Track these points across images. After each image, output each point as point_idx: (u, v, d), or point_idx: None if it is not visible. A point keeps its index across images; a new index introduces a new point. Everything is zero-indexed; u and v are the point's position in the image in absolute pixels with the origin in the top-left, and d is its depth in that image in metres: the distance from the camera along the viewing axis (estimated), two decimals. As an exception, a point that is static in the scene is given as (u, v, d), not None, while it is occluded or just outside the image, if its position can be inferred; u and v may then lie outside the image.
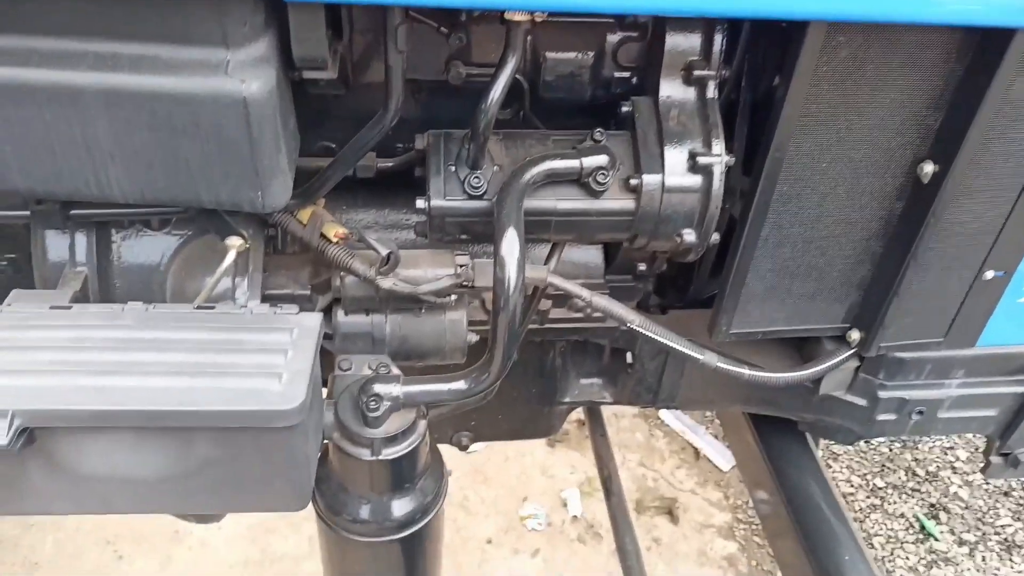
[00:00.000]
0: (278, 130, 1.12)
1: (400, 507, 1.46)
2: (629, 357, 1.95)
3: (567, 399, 2.07)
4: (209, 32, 1.05)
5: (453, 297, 1.51)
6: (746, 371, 1.58)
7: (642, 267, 1.76)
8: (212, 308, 1.20)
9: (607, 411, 2.97)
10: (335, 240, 1.38)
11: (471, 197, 1.34)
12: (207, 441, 1.08)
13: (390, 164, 1.52)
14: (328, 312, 1.54)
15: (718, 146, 1.34)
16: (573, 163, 1.33)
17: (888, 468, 3.76)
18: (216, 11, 1.04)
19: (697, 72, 1.34)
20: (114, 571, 3.18)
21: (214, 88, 1.05)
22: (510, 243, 1.25)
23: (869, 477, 3.71)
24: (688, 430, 3.87)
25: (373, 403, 1.33)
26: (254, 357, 1.10)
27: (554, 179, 1.34)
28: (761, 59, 1.44)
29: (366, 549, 1.49)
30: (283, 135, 1.14)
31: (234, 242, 1.37)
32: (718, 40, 1.34)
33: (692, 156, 1.35)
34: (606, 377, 2.07)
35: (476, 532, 3.28)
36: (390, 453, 1.36)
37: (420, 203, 1.34)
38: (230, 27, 1.05)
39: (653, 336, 1.49)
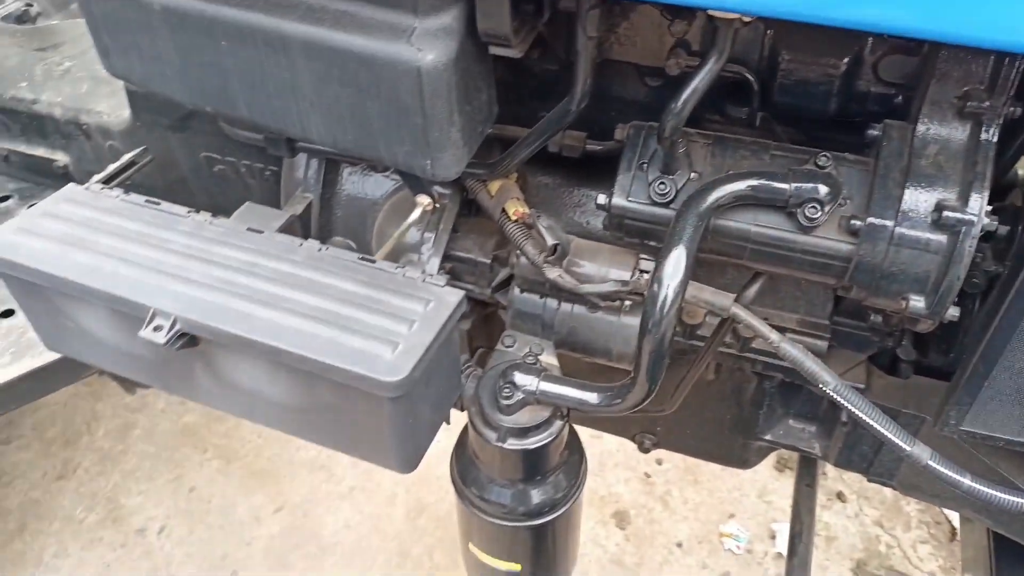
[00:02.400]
0: (452, 103, 1.10)
1: (526, 497, 1.43)
2: (844, 414, 1.67)
3: (768, 436, 1.85)
4: (403, -4, 1.05)
5: (628, 302, 1.40)
6: (966, 480, 1.25)
7: (876, 318, 1.48)
8: (372, 262, 1.24)
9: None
10: (514, 218, 1.35)
11: (655, 203, 1.21)
12: (324, 387, 1.14)
13: (598, 148, 1.43)
14: (507, 284, 1.52)
15: (977, 202, 1.04)
16: (779, 187, 1.13)
17: None
18: (410, -25, 1.03)
19: (973, 105, 1.04)
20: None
21: (394, 54, 1.06)
22: (675, 263, 1.11)
23: None
24: (953, 503, 3.26)
25: (507, 390, 1.30)
26: (384, 320, 1.13)
27: (752, 203, 1.15)
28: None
29: (490, 527, 1.49)
30: (460, 108, 1.11)
31: (422, 200, 1.41)
32: (1015, 68, 1.02)
33: (940, 208, 1.07)
34: (819, 426, 1.80)
35: (668, 530, 3.14)
36: (515, 444, 1.32)
37: (601, 199, 1.24)
38: (421, -7, 1.04)
39: (848, 407, 1.24)
